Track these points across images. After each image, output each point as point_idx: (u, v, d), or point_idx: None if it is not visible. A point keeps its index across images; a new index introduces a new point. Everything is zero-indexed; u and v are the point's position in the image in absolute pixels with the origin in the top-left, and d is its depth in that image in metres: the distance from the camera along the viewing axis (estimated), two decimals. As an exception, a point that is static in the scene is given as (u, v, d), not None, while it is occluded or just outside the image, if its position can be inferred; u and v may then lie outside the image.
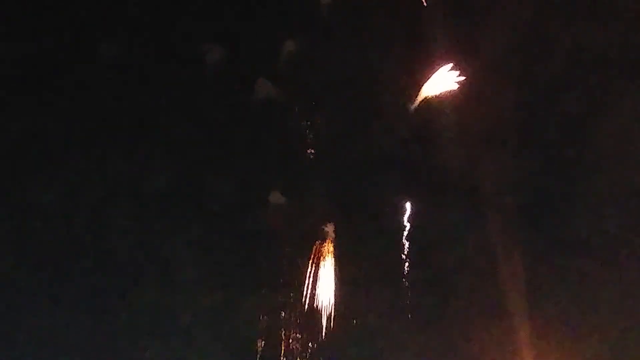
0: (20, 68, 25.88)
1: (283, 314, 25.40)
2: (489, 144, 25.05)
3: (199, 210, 26.10)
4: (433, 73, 25.53)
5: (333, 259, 25.90)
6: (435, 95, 25.56)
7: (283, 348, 25.18)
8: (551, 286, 24.05)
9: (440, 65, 25.47)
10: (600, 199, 24.06)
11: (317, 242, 26.04)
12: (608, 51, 24.43)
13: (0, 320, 24.99)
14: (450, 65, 25.36)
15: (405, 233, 25.47)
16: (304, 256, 25.86)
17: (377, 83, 25.35)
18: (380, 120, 25.44)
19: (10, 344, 24.76)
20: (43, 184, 25.26)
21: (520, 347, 23.71)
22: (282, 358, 25.13)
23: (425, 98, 25.56)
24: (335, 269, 25.75)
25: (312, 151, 26.36)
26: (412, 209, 25.71)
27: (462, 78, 25.36)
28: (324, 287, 25.57)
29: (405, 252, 25.35)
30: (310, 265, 25.76)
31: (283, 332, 25.34)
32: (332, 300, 25.47)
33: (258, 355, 25.12)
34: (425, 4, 25.82)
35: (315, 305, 25.36)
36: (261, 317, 25.29)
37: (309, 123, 26.47)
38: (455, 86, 25.44)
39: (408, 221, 25.58)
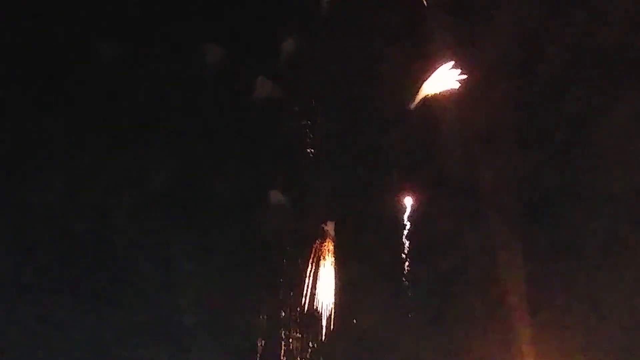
0: (19, 67, 25.87)
1: (283, 314, 25.35)
2: (490, 143, 24.94)
3: (197, 210, 26.12)
4: (433, 71, 25.44)
5: (333, 258, 25.85)
6: (436, 94, 25.45)
7: (283, 348, 25.14)
8: (552, 286, 23.89)
9: (440, 64, 25.39)
10: (603, 199, 23.85)
11: (317, 241, 26.00)
12: (611, 50, 24.20)
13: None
14: (451, 63, 25.26)
15: (406, 232, 25.47)
16: (304, 255, 25.84)
17: (377, 82, 25.25)
18: (380, 119, 25.43)
19: (9, 344, 24.67)
20: (41, 184, 25.20)
21: (521, 347, 23.59)
22: (282, 358, 25.08)
23: (425, 97, 25.47)
24: (335, 268, 25.70)
25: (312, 150, 26.32)
26: (412, 207, 25.68)
27: (463, 77, 25.27)
28: (324, 286, 25.52)
29: (406, 251, 25.33)
30: (310, 264, 25.72)
31: (283, 332, 25.30)
32: (332, 300, 25.44)
33: (258, 355, 25.09)
34: (425, 3, 25.73)
35: (315, 304, 25.32)
36: (261, 317, 25.27)
37: (308, 122, 26.44)
38: (456, 85, 25.34)
39: (408, 220, 25.56)
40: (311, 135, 26.35)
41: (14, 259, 25.25)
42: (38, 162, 25.96)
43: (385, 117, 25.53)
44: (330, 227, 26.04)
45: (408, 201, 25.81)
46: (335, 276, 25.68)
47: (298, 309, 25.29)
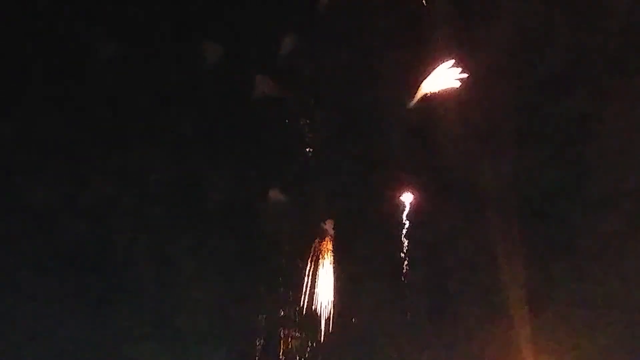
0: (19, 66, 25.88)
1: (282, 313, 25.36)
2: (489, 142, 24.86)
3: (196, 209, 26.08)
4: (433, 70, 25.32)
5: (332, 257, 25.83)
6: (435, 92, 25.35)
7: (282, 347, 25.16)
8: (552, 285, 23.86)
9: (440, 62, 25.27)
10: (604, 199, 23.82)
11: (316, 240, 25.98)
12: (612, 49, 24.14)
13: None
14: (450, 62, 25.14)
15: (405, 231, 25.42)
16: (303, 254, 25.83)
17: (376, 80, 25.17)
18: (380, 118, 25.34)
19: (9, 343, 24.74)
20: (41, 183, 25.20)
21: (520, 346, 23.59)
22: (281, 357, 25.11)
23: (425, 95, 25.36)
24: (334, 267, 25.70)
25: (311, 149, 26.28)
26: (411, 206, 25.62)
27: (463, 75, 25.15)
28: (323, 285, 25.52)
29: (405, 250, 25.29)
30: (309, 263, 25.71)
31: (282, 332, 25.31)
32: (332, 299, 25.44)
33: (257, 355, 25.11)
34: (424, 2, 25.60)
35: (314, 304, 25.32)
36: (260, 317, 25.30)
37: (308, 121, 26.38)
38: (456, 83, 25.23)
39: (407, 219, 25.52)
40: (310, 135, 26.31)
41: (13, 259, 25.25)
42: (37, 162, 25.84)
43: (385, 115, 25.43)
44: (329, 226, 25.99)
45: (407, 200, 25.78)
46: (334, 275, 25.65)
47: (297, 308, 25.28)
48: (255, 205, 26.10)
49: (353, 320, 25.10)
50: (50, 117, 25.56)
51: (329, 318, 25.26)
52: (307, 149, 26.34)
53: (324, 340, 25.13)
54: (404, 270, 25.29)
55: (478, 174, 24.65)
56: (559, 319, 23.23)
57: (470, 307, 24.24)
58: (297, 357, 25.15)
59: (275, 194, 26.02)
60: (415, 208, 25.69)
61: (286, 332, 25.28)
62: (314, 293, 25.43)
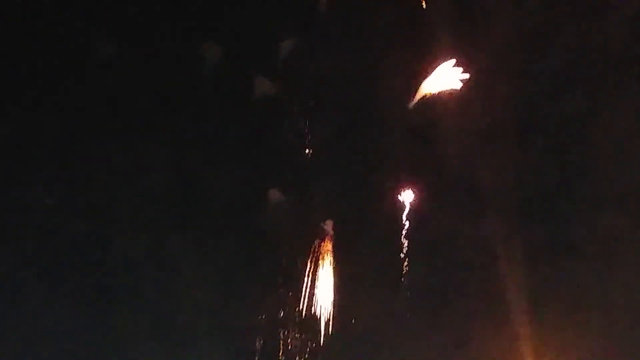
0: (18, 66, 25.90)
1: (282, 314, 25.32)
2: (489, 142, 24.80)
3: (196, 209, 26.11)
4: (433, 70, 25.27)
5: (332, 257, 25.79)
6: (435, 93, 25.30)
7: (282, 348, 25.12)
8: (553, 286, 23.81)
9: (440, 62, 25.22)
10: (605, 198, 23.78)
11: (316, 240, 25.95)
12: (613, 48, 24.12)
13: (-2, 318, 25.08)
14: (451, 62, 25.08)
15: (405, 231, 25.35)
16: (303, 255, 25.79)
17: (376, 81, 25.16)
18: (380, 118, 25.32)
19: (8, 342, 24.72)
20: (40, 183, 25.33)
21: (521, 346, 23.53)
22: (280, 358, 25.07)
23: (425, 95, 25.32)
24: (334, 267, 25.66)
25: (311, 149, 26.23)
26: (411, 206, 25.58)
27: (463, 75, 25.09)
28: (323, 286, 25.47)
29: (405, 251, 25.22)
30: (309, 264, 25.67)
31: (282, 332, 25.27)
32: (332, 300, 25.40)
33: (257, 355, 25.08)
34: (425, 2, 25.57)
35: (314, 304, 25.27)
36: (259, 317, 25.25)
37: (307, 122, 26.35)
38: (456, 83, 25.18)
39: (407, 219, 25.46)
40: (310, 135, 26.27)
41: (11, 259, 25.28)
42: (36, 162, 25.98)
43: (385, 116, 25.40)
44: (329, 226, 25.94)
45: (407, 200, 25.70)
46: (334, 275, 25.59)
47: (297, 309, 25.23)
48: (254, 206, 26.08)
49: (353, 321, 24.97)
50: (49, 117, 25.64)
51: (328, 318, 25.20)
52: (307, 150, 26.24)
53: (323, 340, 25.07)
54: (404, 271, 25.19)
55: (478, 173, 24.59)
56: (560, 318, 23.17)
57: (470, 307, 24.20)
58: (297, 358, 25.05)
59: (274, 194, 25.98)
60: (415, 208, 25.61)
61: (286, 332, 25.18)
62: (313, 293, 25.37)
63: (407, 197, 25.69)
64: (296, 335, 25.18)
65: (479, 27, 24.88)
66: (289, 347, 25.14)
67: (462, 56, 24.92)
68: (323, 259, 25.76)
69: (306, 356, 25.02)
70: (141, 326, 25.09)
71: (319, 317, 25.19)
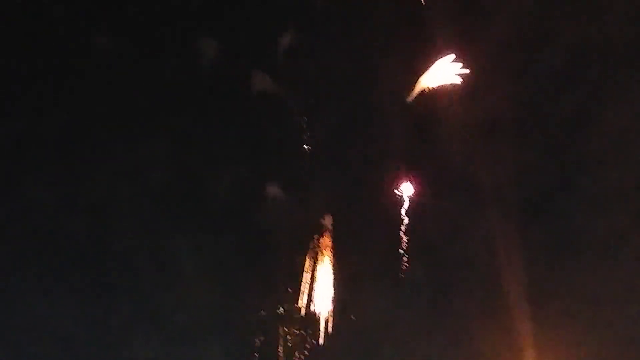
0: (19, 65, 26.00)
1: (281, 310, 25.25)
2: (489, 139, 24.77)
3: (196, 206, 26.17)
4: (431, 65, 25.30)
5: (331, 254, 25.76)
6: (433, 87, 25.31)
7: (281, 344, 25.04)
8: (553, 283, 23.73)
9: (438, 57, 25.26)
10: (604, 195, 23.69)
11: (315, 236, 25.91)
12: (612, 45, 24.05)
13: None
14: (449, 57, 25.12)
15: (403, 227, 25.32)
16: (302, 251, 25.76)
17: (374, 76, 25.14)
18: (378, 113, 25.36)
19: (8, 341, 24.73)
20: (40, 181, 25.24)
21: (521, 344, 23.44)
22: (279, 354, 24.97)
23: (423, 90, 25.33)
24: (333, 263, 25.60)
25: (310, 145, 26.29)
26: (409, 202, 25.58)
27: (462, 70, 25.10)
28: (322, 282, 25.41)
29: (404, 247, 25.17)
30: (308, 259, 25.63)
31: (281, 328, 25.19)
32: (331, 296, 25.33)
33: (256, 352, 24.99)
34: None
35: (313, 300, 25.21)
36: (259, 313, 25.20)
37: (305, 119, 26.42)
38: (455, 78, 25.20)
39: (406, 215, 25.42)
40: (309, 131, 26.35)
41: (12, 257, 25.33)
42: (37, 160, 26.04)
43: (383, 111, 25.41)
44: (328, 221, 25.92)
45: (405, 196, 25.69)
46: (333, 271, 25.54)
47: (296, 305, 25.17)
48: (254, 202, 26.09)
49: (352, 317, 24.90)
50: (49, 116, 25.65)
51: (328, 315, 25.14)
52: (306, 146, 26.26)
53: (323, 335, 24.99)
54: (404, 267, 25.15)
55: (477, 170, 24.56)
56: (559, 315, 23.05)
57: (470, 303, 24.12)
58: (296, 354, 24.95)
59: (274, 190, 25.98)
60: (414, 204, 25.59)
61: (285, 328, 25.11)
62: (313, 290, 25.31)
63: (406, 192, 25.70)
64: (295, 331, 25.11)
65: (478, 23, 24.82)
66: (289, 344, 25.08)
67: (461, 51, 24.99)
68: (322, 254, 25.73)
69: (305, 352, 24.96)
70: (141, 323, 25.20)
71: (318, 313, 25.17)
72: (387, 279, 25.04)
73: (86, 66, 26.23)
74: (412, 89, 25.32)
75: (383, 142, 25.42)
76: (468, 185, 24.88)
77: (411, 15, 25.21)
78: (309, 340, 25.11)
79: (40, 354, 25.08)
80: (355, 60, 25.38)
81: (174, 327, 25.11)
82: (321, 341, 25.06)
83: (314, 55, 26.02)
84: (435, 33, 24.85)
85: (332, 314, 25.27)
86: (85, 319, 25.27)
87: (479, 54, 24.96)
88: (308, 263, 25.63)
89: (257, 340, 25.11)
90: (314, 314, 25.30)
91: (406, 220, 25.37)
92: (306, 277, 25.47)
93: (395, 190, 25.67)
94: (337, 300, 25.30)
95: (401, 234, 25.25)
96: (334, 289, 25.46)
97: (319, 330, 25.11)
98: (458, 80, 24.93)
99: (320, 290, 25.42)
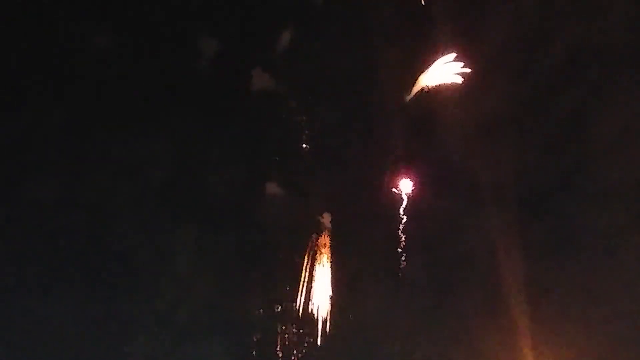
0: (18, 63, 26.06)
1: (279, 308, 25.31)
2: (488, 138, 24.73)
3: (195, 205, 26.14)
4: (431, 64, 25.31)
5: (330, 252, 25.79)
6: (433, 86, 25.32)
7: (279, 341, 25.09)
8: (552, 282, 23.65)
9: (438, 57, 25.27)
10: (603, 194, 23.64)
11: (313, 235, 25.95)
12: (611, 45, 24.03)
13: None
14: (449, 56, 25.13)
15: (402, 226, 25.35)
16: (300, 249, 25.79)
17: (373, 75, 25.21)
18: (377, 112, 25.38)
19: (8, 341, 24.77)
20: (40, 180, 25.27)
21: (520, 342, 23.42)
22: (277, 353, 25.03)
23: (422, 89, 25.34)
24: (331, 261, 25.65)
25: (309, 143, 26.35)
26: (408, 201, 25.57)
27: (462, 70, 25.11)
28: (320, 280, 25.45)
29: (402, 246, 25.21)
30: (306, 258, 25.67)
31: (279, 327, 25.25)
32: (329, 294, 25.36)
33: (254, 349, 25.06)
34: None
35: (311, 299, 25.24)
36: (257, 311, 25.26)
37: (305, 118, 26.44)
38: (455, 78, 25.19)
39: (404, 213, 25.43)
40: (307, 129, 26.35)
41: (12, 254, 25.35)
42: (37, 158, 26.05)
43: (382, 110, 25.44)
44: (326, 219, 25.96)
45: (404, 195, 25.67)
46: (332, 270, 25.58)
47: (294, 303, 25.22)
48: (253, 201, 26.09)
49: (350, 315, 24.96)
50: (50, 115, 25.66)
51: (326, 313, 25.16)
52: (305, 144, 26.32)
53: (321, 334, 25.01)
54: (402, 265, 25.18)
55: (477, 169, 24.55)
56: (559, 313, 23.06)
57: (469, 302, 24.08)
58: (294, 352, 25.01)
59: (272, 189, 26.02)
60: (412, 203, 25.57)
61: (284, 326, 25.15)
62: (311, 288, 25.33)
63: (404, 191, 25.71)
64: (294, 329, 25.15)
65: (478, 22, 24.86)
66: (286, 342, 25.13)
67: (461, 51, 25.00)
68: (321, 253, 25.75)
69: (303, 351, 25.01)
70: (139, 321, 25.25)
71: (316, 311, 25.19)
72: (385, 278, 25.09)
73: (86, 65, 26.27)
74: (411, 88, 25.35)
75: (382, 141, 25.50)
76: (467, 184, 24.88)
77: (410, 14, 25.25)
78: (307, 338, 25.11)
79: (40, 353, 25.03)
80: (354, 59, 25.43)
81: (173, 326, 25.16)
82: (319, 340, 25.04)
83: (313, 54, 25.99)
84: (434, 32, 24.97)
85: (330, 312, 25.25)
86: (85, 318, 25.31)
87: (478, 53, 25.02)
88: (306, 262, 25.63)
89: (255, 339, 25.12)
90: (312, 312, 25.28)
91: (405, 219, 25.40)
92: (305, 275, 25.48)
93: (394, 189, 25.69)
94: (335, 299, 25.28)
95: (399, 233, 25.29)
96: (332, 288, 25.43)
97: (317, 328, 25.10)
98: (458, 80, 24.88)
99: (319, 289, 25.40)
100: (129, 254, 25.63)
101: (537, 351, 23.40)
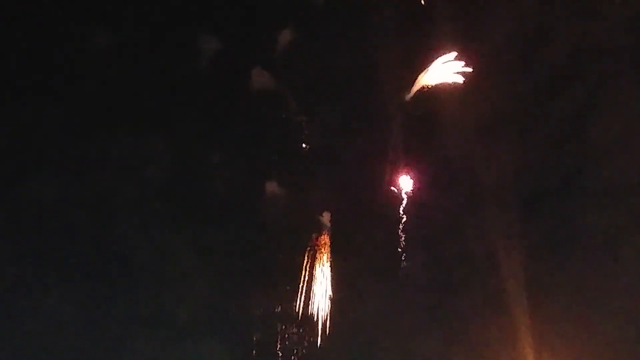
0: (18, 62, 26.10)
1: (279, 308, 25.29)
2: (488, 137, 24.72)
3: (195, 204, 26.18)
4: (430, 63, 25.29)
5: (329, 251, 25.78)
6: (432, 85, 25.30)
7: (279, 341, 25.08)
8: (552, 281, 23.63)
9: (438, 56, 25.25)
10: (604, 193, 23.62)
11: (313, 235, 25.94)
12: (612, 44, 24.01)
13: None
14: (449, 55, 25.10)
15: (401, 225, 25.33)
16: (300, 249, 25.78)
17: (373, 74, 25.19)
18: (377, 111, 25.39)
19: (8, 341, 24.79)
20: (41, 179, 25.34)
21: (520, 341, 23.37)
22: (278, 352, 25.02)
23: (422, 88, 25.33)
24: (331, 262, 25.64)
25: (309, 142, 26.35)
26: (407, 200, 25.56)
27: (463, 69, 25.08)
28: (320, 280, 25.44)
29: (402, 245, 25.20)
30: (306, 258, 25.65)
31: (279, 327, 25.24)
32: (329, 294, 25.34)
33: (254, 350, 25.04)
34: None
35: (311, 298, 25.23)
36: (257, 311, 25.25)
37: (304, 117, 26.46)
38: (455, 77, 25.17)
39: (404, 213, 25.42)
40: (307, 130, 26.37)
41: (12, 254, 25.35)
42: (37, 157, 26.12)
43: (382, 109, 25.44)
44: (326, 218, 25.96)
45: (404, 194, 25.65)
46: (332, 269, 25.58)
47: (294, 303, 25.21)
48: (253, 200, 26.12)
49: (350, 315, 24.90)
50: (50, 115, 25.69)
51: (326, 313, 25.14)
52: (305, 144, 26.32)
53: (321, 334, 25.01)
54: (401, 265, 25.16)
55: (477, 168, 24.53)
56: (559, 312, 22.98)
57: (469, 301, 24.03)
58: (294, 351, 25.00)
59: (272, 188, 26.03)
60: (412, 202, 25.56)
61: (284, 326, 25.14)
62: (311, 288, 25.33)
63: (404, 190, 25.69)
64: (293, 328, 25.14)
65: (478, 22, 24.84)
66: (286, 342, 25.12)
67: (461, 50, 25.00)
68: (320, 252, 25.74)
69: (303, 351, 25.00)
70: (139, 320, 25.31)
71: (316, 311, 25.18)
72: (385, 278, 25.05)
73: (86, 65, 26.33)
74: (411, 88, 25.34)
75: (382, 141, 25.50)
76: (467, 183, 24.87)
77: (410, 14, 25.24)
78: (306, 338, 25.10)
79: (40, 353, 25.07)
80: (354, 59, 25.44)
81: (173, 325, 25.21)
82: (319, 339, 25.03)
83: (313, 54, 25.98)
84: (434, 32, 24.91)
85: (330, 312, 25.23)
86: (86, 317, 25.42)
87: (479, 52, 25.01)
88: (306, 261, 25.61)
89: (255, 339, 25.11)
90: (312, 311, 25.27)
91: (404, 218, 25.39)
92: (304, 275, 25.46)
93: (394, 188, 25.67)
94: (335, 298, 25.25)
95: (399, 232, 25.28)
96: (332, 287, 25.42)
97: (317, 328, 25.10)
98: (459, 79, 24.86)
99: (319, 288, 25.39)
100: (129, 253, 25.75)
101: (537, 351, 23.33)
